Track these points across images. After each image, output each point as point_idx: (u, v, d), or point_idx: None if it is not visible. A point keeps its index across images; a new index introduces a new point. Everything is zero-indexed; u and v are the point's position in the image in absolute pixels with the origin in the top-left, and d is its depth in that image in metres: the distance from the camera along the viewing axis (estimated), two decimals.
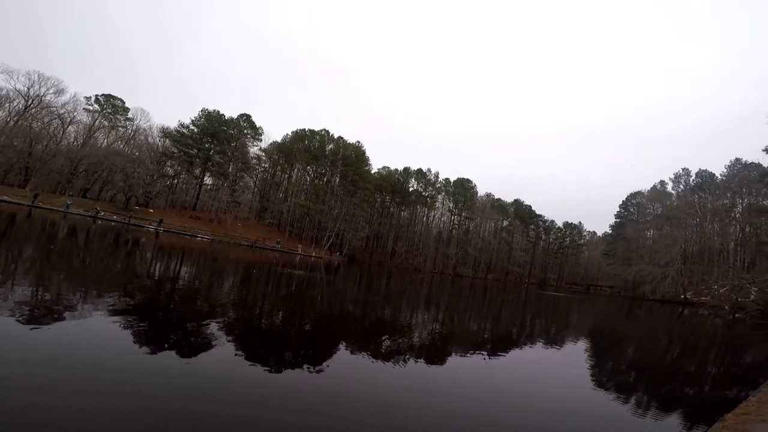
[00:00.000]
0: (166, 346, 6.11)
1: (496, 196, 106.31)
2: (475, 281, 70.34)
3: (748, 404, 5.90)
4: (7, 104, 59.69)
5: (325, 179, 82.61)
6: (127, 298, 9.24)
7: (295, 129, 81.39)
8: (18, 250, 15.44)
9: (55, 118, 64.32)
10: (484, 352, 9.85)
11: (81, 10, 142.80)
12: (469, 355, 9.34)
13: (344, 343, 8.51)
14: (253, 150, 79.08)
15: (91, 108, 67.84)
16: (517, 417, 5.54)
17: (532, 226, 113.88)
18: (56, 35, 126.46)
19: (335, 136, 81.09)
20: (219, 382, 5.01)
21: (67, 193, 57.07)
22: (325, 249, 69.14)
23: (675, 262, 59.92)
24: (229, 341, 6.93)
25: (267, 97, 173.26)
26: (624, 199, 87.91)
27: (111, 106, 69.10)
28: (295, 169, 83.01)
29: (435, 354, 8.83)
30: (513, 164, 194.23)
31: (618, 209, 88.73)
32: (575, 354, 11.68)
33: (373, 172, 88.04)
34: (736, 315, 36.20)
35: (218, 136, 70.99)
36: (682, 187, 75.79)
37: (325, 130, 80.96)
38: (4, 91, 58.78)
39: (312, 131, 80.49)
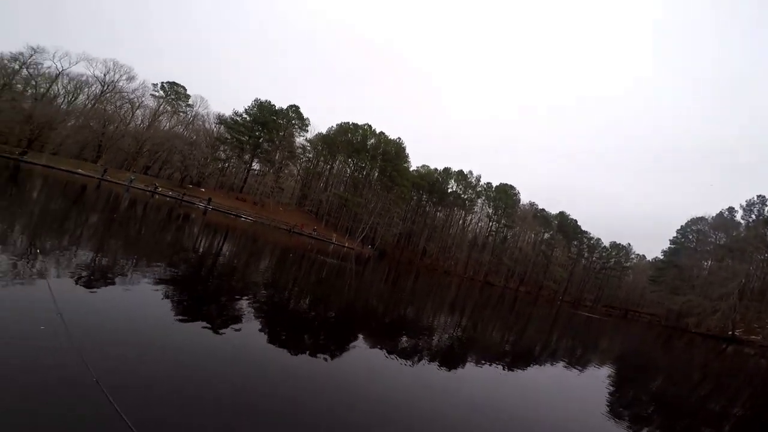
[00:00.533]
0: (198, 316, 6.76)
1: (540, 206, 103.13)
2: (505, 291, 68.84)
3: None
4: (86, 89, 66.66)
5: (364, 173, 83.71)
6: (171, 268, 10.13)
7: (339, 122, 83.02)
8: (86, 217, 17.15)
9: (126, 103, 70.70)
10: (502, 365, 9.87)
11: (154, 7, 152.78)
12: (485, 365, 9.42)
13: (363, 337, 8.86)
14: (299, 140, 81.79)
15: (156, 94, 73.57)
16: None
17: (575, 242, 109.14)
18: (128, 26, 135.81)
19: (377, 131, 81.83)
20: (239, 355, 5.52)
21: (131, 170, 61.95)
22: (357, 241, 70.33)
23: (730, 297, 55.24)
24: (256, 318, 7.50)
25: (314, 90, 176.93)
26: (683, 224, 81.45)
27: (174, 93, 74.50)
28: (337, 161, 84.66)
29: (451, 359, 8.99)
30: (562, 175, 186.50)
31: (675, 234, 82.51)
32: (596, 379, 11.36)
33: (411, 169, 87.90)
34: None
35: (268, 125, 74.42)
36: (753, 216, 68.92)
37: (367, 124, 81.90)
38: (84, 77, 65.56)
39: (355, 125, 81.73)
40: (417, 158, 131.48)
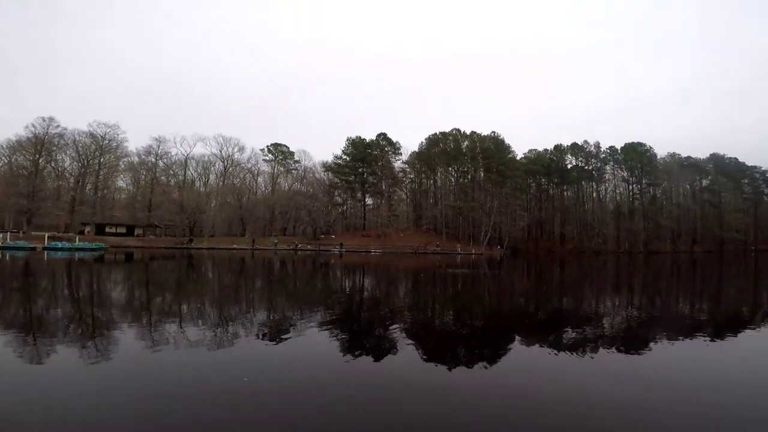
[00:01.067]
0: (359, 349, 7.26)
1: (684, 155, 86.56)
2: (676, 256, 58.18)
3: None
4: (212, 167, 79.54)
5: (469, 176, 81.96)
6: (329, 311, 11.21)
7: (427, 135, 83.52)
8: (251, 281, 20.34)
9: (246, 173, 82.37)
10: (705, 336, 8.26)
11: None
12: (681, 340, 7.99)
13: (520, 338, 8.37)
14: (397, 164, 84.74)
15: (267, 158, 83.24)
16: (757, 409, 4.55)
17: (746, 181, 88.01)
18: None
19: (467, 132, 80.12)
20: (399, 382, 5.67)
21: (272, 234, 71.69)
22: (484, 245, 68.06)
23: None
24: (408, 344, 7.71)
25: (399, 111, 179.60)
26: None
27: (280, 153, 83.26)
28: (438, 173, 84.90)
29: (634, 342, 7.83)
30: (704, 118, 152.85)
31: None
32: None
33: (519, 157, 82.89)
34: None
35: (366, 159, 79.20)
36: None
37: (455, 129, 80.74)
38: (206, 157, 78.14)
39: (443, 133, 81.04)
40: (521, 147, 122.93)
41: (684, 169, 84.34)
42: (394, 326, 9.21)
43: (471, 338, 8.60)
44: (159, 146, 72.82)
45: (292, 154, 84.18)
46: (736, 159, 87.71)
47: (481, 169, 78.79)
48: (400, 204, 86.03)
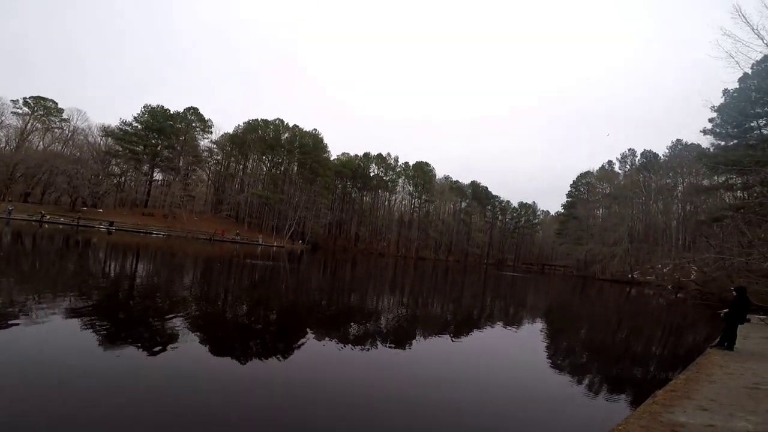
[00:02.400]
0: (129, 344, 6.04)
1: (454, 178, 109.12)
2: (437, 263, 72.25)
3: (677, 382, 6.41)
4: None
5: (282, 168, 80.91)
6: (83, 298, 8.92)
7: (247, 120, 78.82)
8: None
9: None
10: (448, 335, 10.39)
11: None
12: (434, 337, 9.87)
13: (311, 332, 8.73)
14: (204, 143, 76.05)
15: (20, 111, 62.49)
16: (481, 402, 5.98)
17: (489, 207, 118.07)
18: None
19: (290, 125, 79.38)
20: (184, 377, 5.10)
21: (6, 199, 52.34)
22: (286, 238, 68.15)
23: (622, 241, 62.88)
24: (194, 336, 6.95)
25: (219, 93, 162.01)
26: (575, 178, 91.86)
27: (42, 108, 63.85)
28: (250, 160, 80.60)
29: (402, 338, 9.24)
30: (468, 145, 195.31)
31: (569, 189, 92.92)
32: (531, 335, 12.52)
33: (332, 158, 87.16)
34: (678, 295, 37.05)
35: (165, 131, 68.16)
36: (628, 167, 79.61)
37: (279, 119, 78.90)
38: None
39: (265, 121, 78.31)
40: (336, 147, 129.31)
41: (452, 191, 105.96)
42: (176, 318, 8.11)
43: (265, 332, 8.43)
44: None
45: (60, 111, 65.27)
46: (486, 188, 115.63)
47: (296, 163, 78.91)
48: (199, 185, 77.13)
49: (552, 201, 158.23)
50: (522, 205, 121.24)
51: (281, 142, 77.95)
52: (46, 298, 8.53)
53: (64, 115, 66.24)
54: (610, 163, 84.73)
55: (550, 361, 9.14)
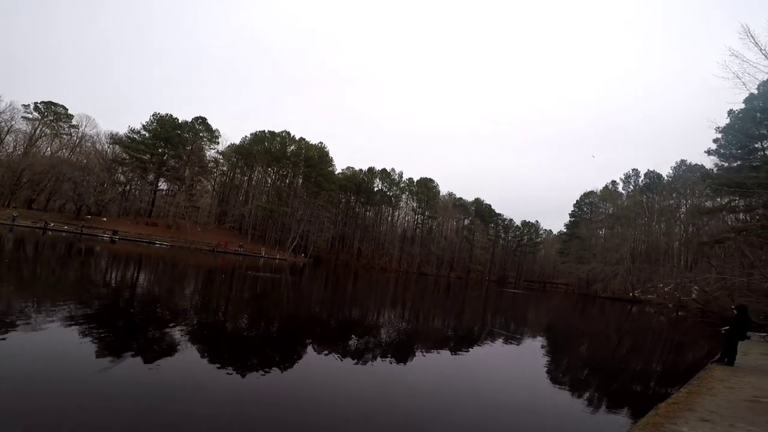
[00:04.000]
0: (127, 353, 6.01)
1: (458, 195, 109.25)
2: (438, 279, 71.85)
3: (679, 395, 6.57)
4: None
5: (287, 181, 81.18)
6: (83, 307, 8.91)
7: (254, 131, 79.64)
8: None
9: None
10: (448, 350, 10.29)
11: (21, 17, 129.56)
12: (434, 352, 9.76)
13: (312, 345, 8.67)
14: (210, 153, 76.58)
15: (30, 116, 63.27)
16: (482, 417, 5.90)
17: (492, 225, 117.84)
18: None
19: (296, 138, 79.97)
20: (184, 388, 5.07)
21: (11, 205, 52.88)
22: (289, 251, 68.10)
23: (624, 261, 62.90)
24: (193, 347, 6.93)
25: (225, 105, 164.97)
26: (578, 198, 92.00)
27: (52, 114, 64.67)
28: (256, 172, 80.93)
29: (402, 353, 9.16)
30: (473, 162, 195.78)
31: (573, 208, 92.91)
32: (532, 351, 12.39)
33: (337, 172, 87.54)
34: (679, 313, 37.08)
35: (172, 141, 68.46)
36: (631, 187, 79.30)
37: (285, 131, 79.64)
38: None
39: (272, 133, 78.91)
40: (341, 161, 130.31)
41: (455, 208, 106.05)
42: (176, 327, 8.09)
43: (265, 345, 8.38)
44: None
45: (69, 117, 66.12)
46: (489, 205, 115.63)
47: (301, 176, 79.33)
48: (204, 195, 77.63)
49: (555, 220, 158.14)
50: (525, 223, 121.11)
51: (287, 154, 78.43)
52: (44, 306, 8.55)
53: (74, 122, 67.13)
54: (613, 183, 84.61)
55: (551, 376, 9.06)
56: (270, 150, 77.15)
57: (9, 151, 62.47)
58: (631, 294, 59.20)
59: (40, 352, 5.46)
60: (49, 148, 65.97)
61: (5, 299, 8.70)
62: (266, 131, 78.87)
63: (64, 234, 41.49)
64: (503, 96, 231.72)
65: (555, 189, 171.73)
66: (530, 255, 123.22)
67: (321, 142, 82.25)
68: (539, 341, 14.90)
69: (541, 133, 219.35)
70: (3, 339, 5.69)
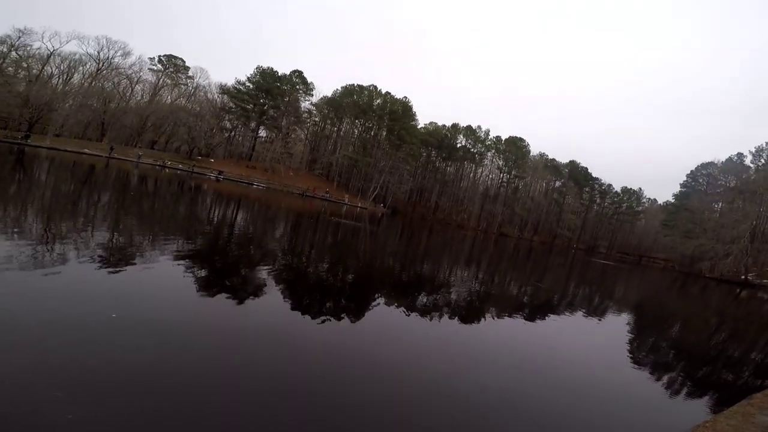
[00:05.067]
0: (219, 289, 6.89)
1: (551, 157, 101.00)
2: (519, 242, 69.08)
3: None
4: (81, 67, 65.50)
5: (372, 133, 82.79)
6: (189, 242, 10.28)
7: (344, 84, 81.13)
8: (99, 194, 17.35)
9: (124, 79, 69.45)
10: (522, 317, 9.97)
11: None
12: (505, 318, 9.54)
13: (382, 298, 8.99)
14: (305, 104, 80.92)
15: (155, 68, 72.08)
16: (552, 397, 5.73)
17: (587, 189, 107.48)
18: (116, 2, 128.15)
19: (383, 92, 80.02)
20: (263, 329, 5.65)
21: (137, 146, 62.12)
22: (370, 200, 70.58)
23: (742, 240, 54.28)
24: (276, 289, 7.63)
25: (318, 55, 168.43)
26: (693, 168, 79.66)
27: (173, 66, 72.99)
28: (344, 123, 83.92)
29: (471, 315, 9.11)
30: (571, 125, 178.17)
31: (685, 178, 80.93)
32: (615, 328, 11.48)
33: (419, 127, 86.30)
34: None
35: (272, 92, 73.59)
36: (763, 161, 67.21)
37: (373, 85, 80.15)
38: (77, 56, 64.09)
39: (360, 86, 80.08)
40: (425, 117, 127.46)
41: (546, 169, 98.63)
42: (263, 269, 8.96)
43: (340, 291, 8.92)
44: (20, 37, 56.35)
45: (186, 68, 74.01)
46: (586, 168, 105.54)
47: (385, 129, 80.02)
48: (297, 143, 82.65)
49: (661, 190, 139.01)
50: (625, 190, 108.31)
51: (373, 107, 79.54)
52: (158, 240, 10.01)
53: (190, 73, 75.09)
54: (740, 155, 71.30)
55: (632, 356, 8.45)
56: (358, 103, 78.82)
57: (138, 98, 72.24)
58: (743, 277, 51.61)
59: (151, 290, 6.46)
60: (169, 97, 74.75)
61: (128, 232, 10.34)
62: (355, 85, 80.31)
63: (178, 172, 47.76)
64: (611, 54, 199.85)
65: (663, 158, 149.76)
66: (628, 224, 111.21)
67: (405, 97, 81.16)
68: (624, 318, 13.70)
69: (651, 102, 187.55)
70: (123, 271, 6.82)
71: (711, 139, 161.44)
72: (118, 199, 16.32)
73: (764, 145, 67.34)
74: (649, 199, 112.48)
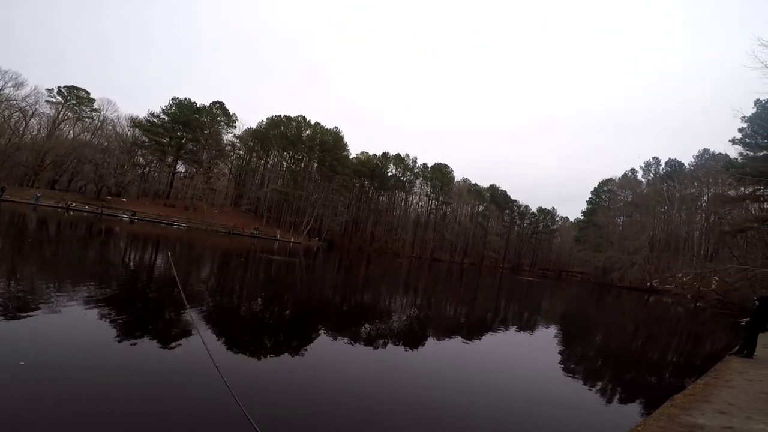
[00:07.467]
0: (142, 335, 6.17)
1: (473, 181, 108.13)
2: (451, 265, 71.71)
3: (696, 386, 6.47)
4: None
5: (302, 165, 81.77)
6: (102, 287, 9.15)
7: (270, 115, 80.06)
8: None
9: (16, 111, 61.19)
10: (460, 337, 10.24)
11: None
12: (444, 340, 9.74)
13: (324, 329, 8.73)
14: (228, 137, 78.02)
15: (53, 100, 65.12)
16: (494, 408, 5.85)
17: (507, 211, 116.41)
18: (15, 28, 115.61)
19: (312, 122, 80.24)
20: (198, 371, 5.15)
21: (35, 186, 54.85)
22: (303, 234, 68.87)
23: (643, 250, 61.92)
24: (208, 329, 7.05)
25: (243, 89, 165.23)
26: (596, 185, 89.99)
27: (75, 98, 66.57)
28: (272, 156, 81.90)
29: (415, 340, 9.18)
30: (489, 149, 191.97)
31: (590, 196, 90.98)
32: (546, 340, 12.26)
33: (351, 157, 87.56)
34: (698, 304, 36.57)
35: (190, 124, 69.86)
36: (652, 175, 77.75)
37: (301, 116, 79.99)
38: None
39: (288, 117, 79.44)
40: (355, 146, 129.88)
41: (470, 194, 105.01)
42: (192, 309, 8.23)
43: (278, 327, 8.47)
44: None
45: (91, 101, 67.70)
46: (505, 191, 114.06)
47: (315, 161, 79.69)
48: (221, 178, 78.78)
49: (571, 208, 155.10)
50: (541, 210, 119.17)
51: (302, 138, 78.82)
52: (65, 286, 8.80)
53: (95, 105, 68.72)
54: (633, 171, 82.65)
55: (564, 366, 8.98)
56: (286, 134, 77.76)
57: (33, 133, 64.35)
58: (648, 284, 58.25)
59: (60, 336, 5.62)
60: (71, 131, 67.69)
61: (28, 279, 8.98)
62: (282, 116, 79.40)
63: (84, 214, 42.74)
64: (523, 88, 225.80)
65: (572, 177, 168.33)
66: (546, 242, 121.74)
67: (336, 127, 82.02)
68: (552, 330, 14.75)
69: (559, 125, 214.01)
70: (29, 317, 5.87)
71: (608, 155, 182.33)
72: (13, 246, 14.11)
73: (651, 160, 78.62)
74: (562, 217, 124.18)
